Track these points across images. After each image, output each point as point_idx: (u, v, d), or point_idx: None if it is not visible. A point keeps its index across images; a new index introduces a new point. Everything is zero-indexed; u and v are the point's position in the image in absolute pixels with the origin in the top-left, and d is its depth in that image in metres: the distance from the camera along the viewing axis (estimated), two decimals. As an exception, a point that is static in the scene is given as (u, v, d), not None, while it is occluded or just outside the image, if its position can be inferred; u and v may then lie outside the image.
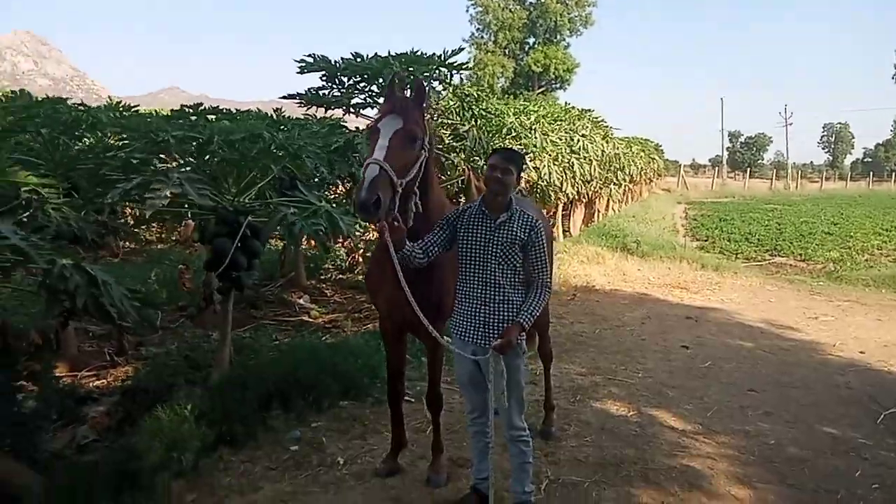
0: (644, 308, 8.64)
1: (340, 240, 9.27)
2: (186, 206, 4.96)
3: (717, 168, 58.56)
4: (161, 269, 9.04)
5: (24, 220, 3.43)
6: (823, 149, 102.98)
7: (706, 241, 16.98)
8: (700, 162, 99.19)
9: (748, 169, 64.26)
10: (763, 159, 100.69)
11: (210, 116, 7.74)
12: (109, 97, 7.90)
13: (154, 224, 11.92)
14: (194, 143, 4.81)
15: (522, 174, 3.35)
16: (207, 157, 4.68)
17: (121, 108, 6.10)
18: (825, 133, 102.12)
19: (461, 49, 7.24)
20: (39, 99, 6.26)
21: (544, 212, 11.95)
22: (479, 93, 7.90)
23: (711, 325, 7.87)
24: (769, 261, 14.11)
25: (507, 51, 48.49)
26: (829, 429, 4.79)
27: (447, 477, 3.77)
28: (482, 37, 48.95)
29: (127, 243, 12.65)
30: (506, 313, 3.13)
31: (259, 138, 4.53)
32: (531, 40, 49.11)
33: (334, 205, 4.71)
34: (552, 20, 47.33)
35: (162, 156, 5.03)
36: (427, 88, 3.16)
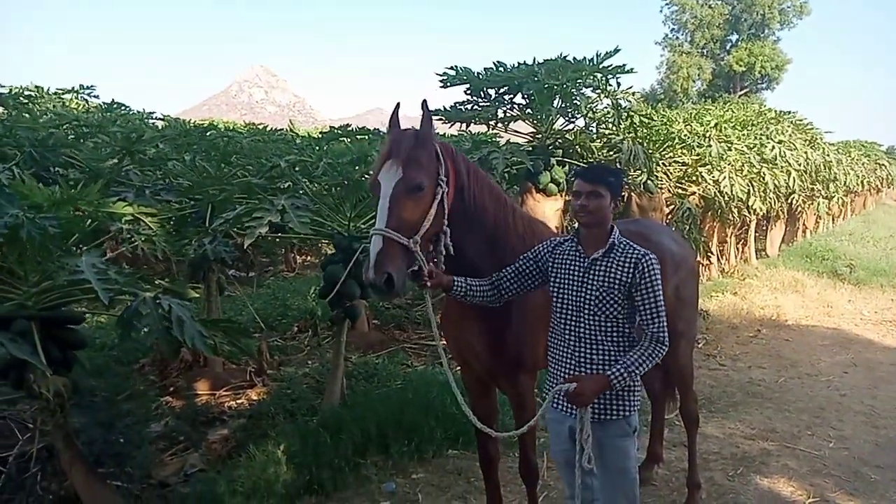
0: (849, 352, 6.99)
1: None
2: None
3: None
4: (325, 283, 9.27)
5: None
6: None
7: (950, 264, 13.86)
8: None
9: None
10: None
11: (361, 136, 7.79)
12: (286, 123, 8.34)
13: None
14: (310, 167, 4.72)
15: (623, 194, 2.60)
16: (315, 181, 4.49)
17: (263, 133, 6.32)
18: None
19: (617, 50, 6.46)
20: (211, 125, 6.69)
21: (728, 231, 10.49)
22: (636, 99, 6.98)
23: (945, 381, 6.12)
24: None
25: (704, 51, 44.95)
26: None
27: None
28: (676, 37, 45.89)
29: (308, 257, 13.44)
30: None
31: (363, 161, 4.25)
32: (733, 37, 45.03)
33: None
34: (759, 13, 42.91)
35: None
36: (429, 112, 2.56)
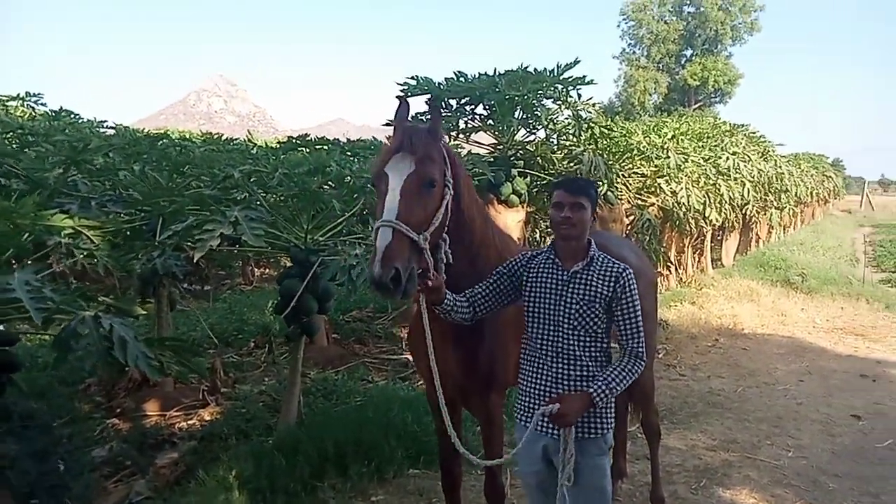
0: (804, 360, 7.14)
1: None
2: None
3: (913, 184, 50.96)
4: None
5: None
6: None
7: (895, 272, 14.37)
8: (893, 178, 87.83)
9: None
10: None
11: (320, 147, 7.62)
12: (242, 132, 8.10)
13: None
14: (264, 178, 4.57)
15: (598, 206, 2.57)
16: (270, 192, 4.35)
17: (218, 142, 6.13)
18: None
19: (577, 62, 6.49)
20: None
21: (685, 241, 10.66)
22: (596, 110, 7.03)
23: (896, 387, 6.28)
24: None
25: (660, 65, 46.10)
26: None
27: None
28: (633, 52, 46.97)
29: (266, 270, 13.12)
30: None
31: (320, 171, 4.13)
32: (688, 52, 46.31)
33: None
34: (712, 29, 44.24)
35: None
36: (438, 110, 2.49)
